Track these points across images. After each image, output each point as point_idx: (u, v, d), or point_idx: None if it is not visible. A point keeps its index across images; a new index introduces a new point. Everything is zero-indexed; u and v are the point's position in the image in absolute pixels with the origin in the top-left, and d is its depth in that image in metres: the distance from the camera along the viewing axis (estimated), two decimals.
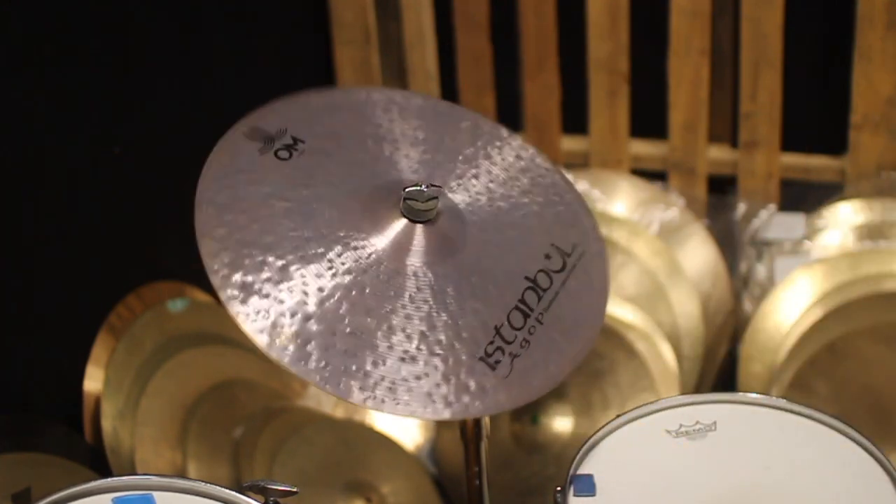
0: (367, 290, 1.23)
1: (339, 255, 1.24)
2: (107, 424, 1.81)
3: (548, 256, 1.35)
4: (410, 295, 1.24)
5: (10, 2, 1.64)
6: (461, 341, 1.23)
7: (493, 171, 1.41)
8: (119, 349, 1.86)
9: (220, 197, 1.26)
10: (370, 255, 1.25)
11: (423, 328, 1.22)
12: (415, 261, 1.26)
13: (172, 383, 1.91)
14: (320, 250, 1.24)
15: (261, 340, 1.19)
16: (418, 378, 1.20)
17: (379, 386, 1.18)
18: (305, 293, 1.21)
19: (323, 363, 1.18)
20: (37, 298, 1.77)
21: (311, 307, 1.21)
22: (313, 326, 1.20)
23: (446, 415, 1.20)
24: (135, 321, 1.89)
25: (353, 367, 1.19)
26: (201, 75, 2.05)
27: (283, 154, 1.31)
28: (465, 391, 1.21)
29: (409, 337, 1.21)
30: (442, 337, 1.22)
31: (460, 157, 1.40)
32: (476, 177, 1.39)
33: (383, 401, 1.18)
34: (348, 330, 1.20)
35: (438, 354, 1.21)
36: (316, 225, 1.26)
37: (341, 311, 1.21)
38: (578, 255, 1.37)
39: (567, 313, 1.32)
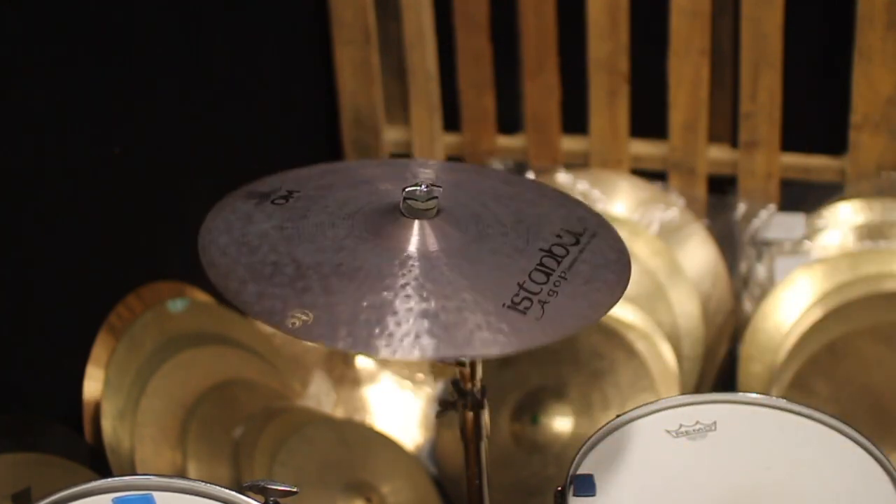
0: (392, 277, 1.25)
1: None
2: (107, 424, 1.81)
3: (559, 236, 1.37)
4: (425, 271, 1.26)
5: (10, 2, 1.64)
6: (485, 297, 1.25)
7: (485, 196, 1.43)
8: (119, 349, 1.86)
9: (222, 238, 1.30)
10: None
11: (446, 292, 1.24)
12: (424, 247, 1.28)
13: (172, 383, 1.91)
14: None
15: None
16: (446, 328, 1.21)
17: (406, 339, 1.20)
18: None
19: (348, 333, 1.19)
20: (37, 298, 1.77)
21: (330, 296, 1.23)
22: (333, 307, 1.21)
23: (488, 351, 1.21)
24: (135, 321, 1.89)
25: (377, 331, 1.20)
26: (201, 75, 2.05)
27: (280, 201, 1.36)
28: (499, 332, 1.22)
29: (426, 299, 1.23)
30: (466, 296, 1.24)
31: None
32: (470, 201, 1.42)
33: (413, 349, 1.19)
34: (366, 304, 1.22)
35: (465, 308, 1.23)
36: (328, 243, 1.28)
37: (361, 290, 1.23)
38: (590, 234, 1.39)
39: (591, 271, 1.33)
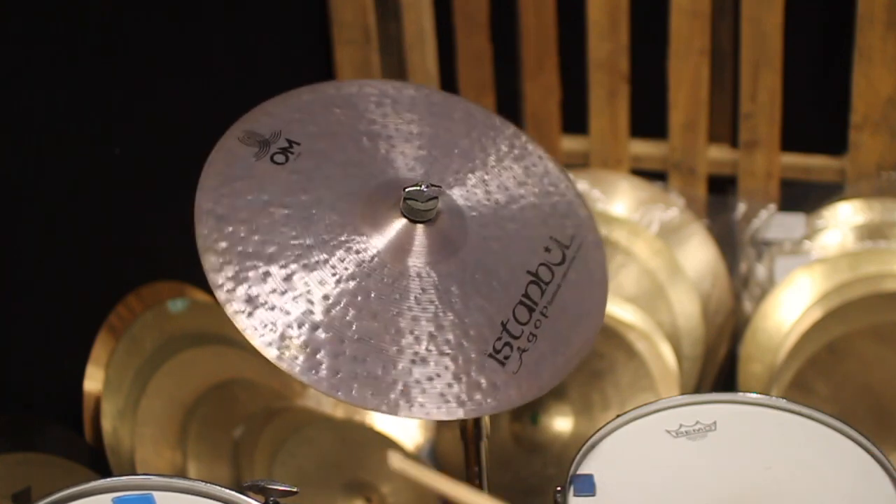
0: (373, 295, 1.23)
1: (342, 261, 1.24)
2: (107, 424, 1.81)
3: (547, 249, 1.35)
4: (416, 297, 1.24)
5: (10, 2, 1.64)
6: (469, 339, 1.23)
7: (488, 164, 1.41)
8: (119, 349, 1.86)
9: (219, 208, 1.25)
10: (373, 258, 1.25)
11: (431, 329, 1.22)
12: (417, 261, 1.26)
13: (172, 383, 1.91)
14: (322, 257, 1.23)
15: (270, 354, 1.19)
16: (430, 379, 1.20)
17: (392, 390, 1.18)
18: (311, 301, 1.21)
19: (334, 371, 1.18)
20: (37, 299, 1.77)
21: (318, 315, 1.21)
22: (321, 335, 1.20)
23: (460, 414, 1.20)
24: (135, 321, 1.89)
25: (365, 373, 1.18)
26: (201, 75, 2.05)
27: (280, 158, 1.31)
28: (476, 389, 1.21)
29: (417, 339, 1.21)
30: (450, 336, 1.23)
31: (456, 151, 1.40)
32: (472, 171, 1.39)
33: (397, 404, 1.17)
34: (356, 336, 1.20)
35: (448, 354, 1.21)
36: (316, 230, 1.26)
37: (348, 318, 1.21)
38: (577, 246, 1.37)
39: (570, 305, 1.32)
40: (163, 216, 1.93)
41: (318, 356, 1.18)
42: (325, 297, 1.21)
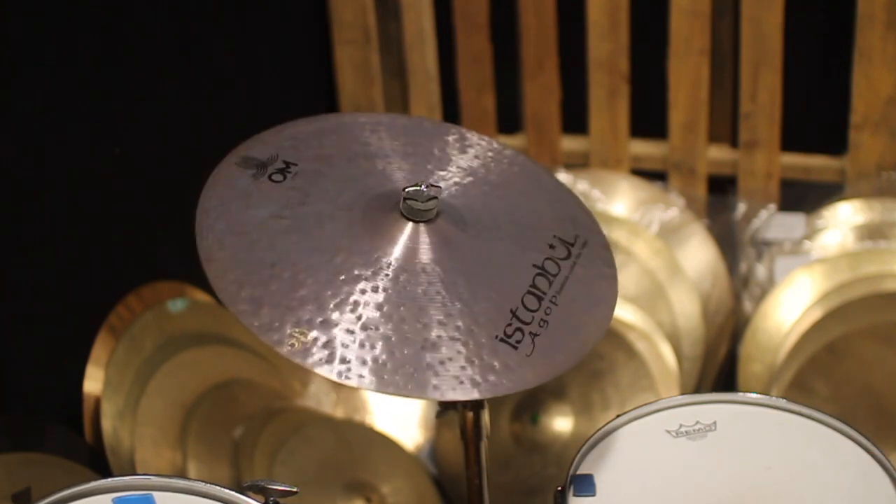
0: (387, 292, 1.23)
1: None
2: (107, 424, 1.81)
3: (552, 246, 1.36)
4: (423, 290, 1.25)
5: (10, 2, 1.64)
6: (479, 325, 1.24)
7: (481, 173, 1.42)
8: (119, 349, 1.86)
9: (219, 224, 1.27)
10: (392, 265, 1.26)
11: (440, 317, 1.23)
12: (422, 258, 1.27)
13: (172, 383, 1.91)
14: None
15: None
16: (442, 363, 1.20)
17: (399, 372, 1.18)
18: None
19: (342, 361, 1.18)
20: (37, 298, 1.77)
21: (329, 312, 1.21)
22: (331, 328, 1.20)
23: (475, 395, 1.20)
24: (135, 321, 1.89)
25: (370, 360, 1.19)
26: (201, 75, 2.05)
27: (277, 177, 1.32)
28: (490, 371, 1.21)
29: (425, 326, 1.22)
30: (459, 323, 1.23)
31: (451, 165, 1.42)
32: (468, 182, 1.40)
33: (408, 387, 1.18)
34: (361, 325, 1.21)
35: (458, 339, 1.22)
36: (326, 242, 1.27)
37: (358, 311, 1.22)
38: (581, 244, 1.38)
39: (580, 295, 1.33)
40: (163, 216, 1.93)
41: (327, 348, 1.19)
42: (345, 299, 1.23)
